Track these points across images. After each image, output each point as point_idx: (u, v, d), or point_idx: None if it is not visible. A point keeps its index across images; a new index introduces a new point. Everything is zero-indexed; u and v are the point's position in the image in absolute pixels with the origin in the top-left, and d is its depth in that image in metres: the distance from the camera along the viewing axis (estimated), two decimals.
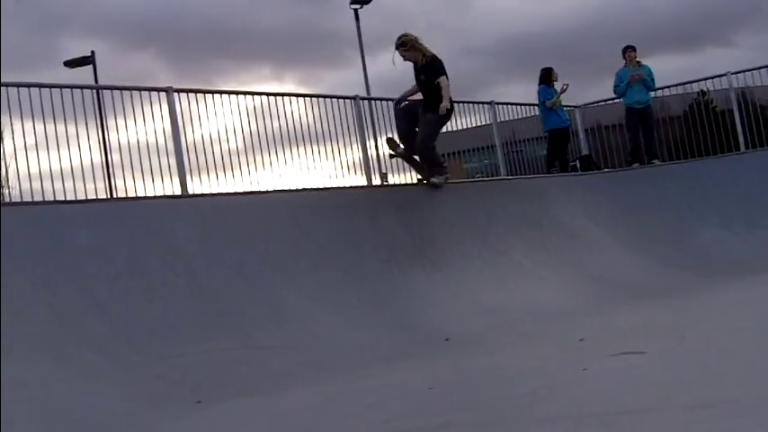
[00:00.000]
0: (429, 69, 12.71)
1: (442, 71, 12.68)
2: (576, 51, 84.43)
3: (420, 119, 12.92)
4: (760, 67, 18.06)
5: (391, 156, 13.84)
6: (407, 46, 12.76)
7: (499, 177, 16.97)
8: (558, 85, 17.30)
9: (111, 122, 11.63)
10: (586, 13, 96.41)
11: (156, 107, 11.65)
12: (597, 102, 20.09)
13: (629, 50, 17.43)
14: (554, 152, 17.41)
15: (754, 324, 7.84)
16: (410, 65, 12.88)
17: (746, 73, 18.09)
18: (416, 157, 13.39)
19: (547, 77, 17.30)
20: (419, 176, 13.62)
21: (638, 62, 17.41)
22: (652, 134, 17.79)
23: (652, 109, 17.95)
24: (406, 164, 13.82)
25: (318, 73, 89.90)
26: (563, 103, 17.52)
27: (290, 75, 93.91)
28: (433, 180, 13.11)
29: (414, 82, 13.07)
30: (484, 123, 17.58)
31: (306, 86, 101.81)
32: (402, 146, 13.35)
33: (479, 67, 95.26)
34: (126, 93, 11.53)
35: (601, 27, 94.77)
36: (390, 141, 13.58)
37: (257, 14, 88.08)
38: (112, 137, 11.65)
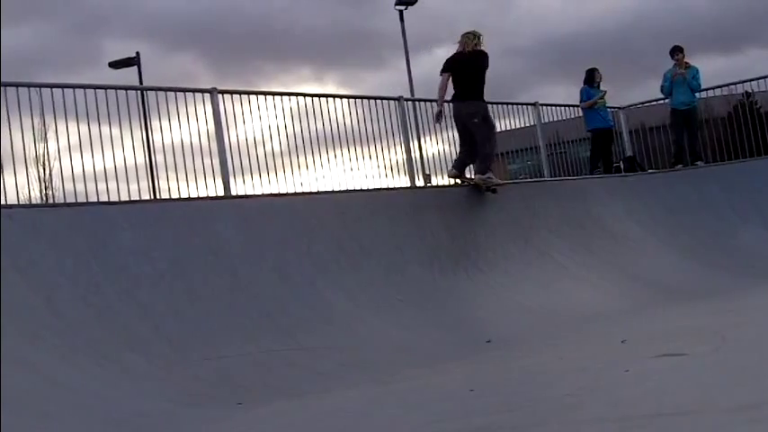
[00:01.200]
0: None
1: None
2: (616, 52, 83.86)
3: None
4: None
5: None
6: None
7: (542, 179, 16.92)
8: (602, 86, 17.27)
9: (154, 123, 11.71)
10: (625, 12, 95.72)
11: (199, 108, 11.74)
12: (641, 103, 19.98)
13: (676, 51, 17.29)
14: (597, 153, 17.35)
15: None
16: None
17: None
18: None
19: (589, 78, 17.28)
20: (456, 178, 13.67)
21: (687, 63, 17.27)
22: (695, 136, 17.65)
23: (697, 111, 17.79)
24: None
25: (359, 74, 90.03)
26: (606, 105, 17.46)
27: (330, 76, 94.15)
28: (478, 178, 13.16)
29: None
30: (527, 125, 17.53)
31: (346, 88, 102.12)
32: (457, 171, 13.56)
33: (521, 68, 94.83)
34: (170, 94, 11.62)
35: (640, 27, 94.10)
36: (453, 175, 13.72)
37: (299, 15, 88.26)
38: (156, 138, 11.73)
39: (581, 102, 17.33)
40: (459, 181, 13.59)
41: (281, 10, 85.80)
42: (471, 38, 13.14)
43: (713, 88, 19.08)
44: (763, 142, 18.34)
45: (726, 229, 15.65)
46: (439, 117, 13.51)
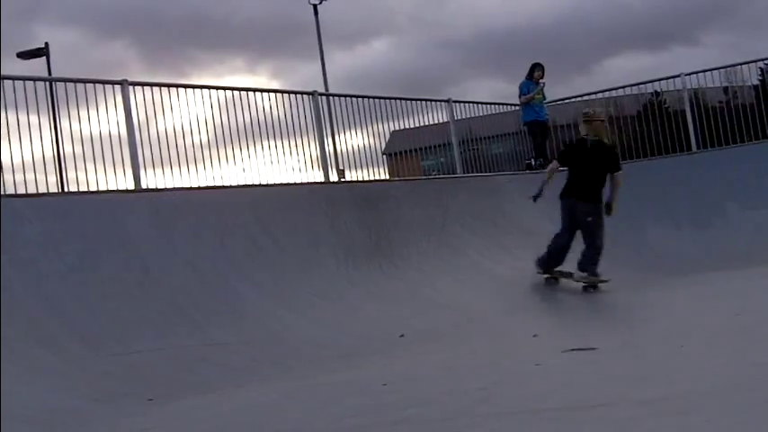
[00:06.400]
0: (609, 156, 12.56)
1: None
2: (551, 48, 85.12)
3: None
4: (713, 69, 18.27)
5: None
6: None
7: (455, 175, 17.01)
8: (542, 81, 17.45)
9: (64, 115, 11.48)
10: (562, 9, 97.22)
11: (111, 100, 11.56)
12: (553, 101, 20.13)
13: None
14: (536, 145, 17.58)
15: (701, 321, 7.95)
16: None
17: (700, 74, 18.26)
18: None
19: (530, 72, 17.40)
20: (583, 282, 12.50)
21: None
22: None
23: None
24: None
25: (292, 65, 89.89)
26: (543, 100, 17.60)
27: (263, 67, 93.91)
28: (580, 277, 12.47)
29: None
30: (441, 121, 17.60)
31: (279, 79, 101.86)
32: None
33: (455, 61, 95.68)
34: (80, 85, 11.41)
35: (576, 24, 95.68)
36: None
37: (237, 5, 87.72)
38: (66, 130, 11.50)
39: (520, 95, 17.49)
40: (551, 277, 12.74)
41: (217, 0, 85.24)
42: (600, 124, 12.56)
43: (623, 87, 19.38)
44: (671, 141, 18.68)
45: (634, 227, 15.90)
46: (536, 198, 12.59)
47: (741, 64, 18.84)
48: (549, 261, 12.57)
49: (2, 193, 9.88)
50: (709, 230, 15.70)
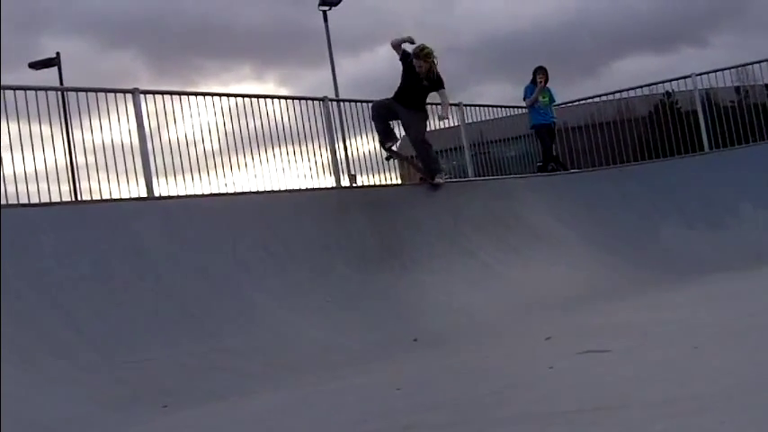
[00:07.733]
0: (435, 81, 13.38)
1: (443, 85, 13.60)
2: (557, 51, 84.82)
3: (410, 116, 13.61)
4: (724, 68, 18.23)
5: (388, 158, 14.60)
6: (430, 58, 13.23)
7: (467, 178, 17.02)
8: (548, 85, 17.48)
9: (76, 125, 11.53)
10: (567, 12, 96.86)
11: (122, 109, 11.60)
12: (564, 103, 20.08)
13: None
14: (543, 148, 17.61)
15: (714, 322, 7.93)
16: (398, 66, 13.48)
17: (711, 74, 18.21)
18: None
19: (533, 76, 17.45)
20: (420, 176, 14.29)
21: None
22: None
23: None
24: (405, 162, 14.65)
25: (298, 72, 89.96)
26: (549, 104, 17.61)
27: (270, 74, 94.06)
28: (437, 180, 13.80)
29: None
30: (452, 125, 17.59)
31: (286, 86, 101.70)
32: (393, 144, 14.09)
33: (462, 66, 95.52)
34: (92, 94, 11.46)
35: (581, 26, 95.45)
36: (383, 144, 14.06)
37: (239, 13, 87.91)
38: (78, 139, 11.55)
39: (524, 99, 17.58)
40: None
41: (223, 7, 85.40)
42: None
43: (633, 88, 19.35)
44: (683, 141, 18.65)
45: (647, 228, 15.89)
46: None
47: (752, 63, 18.77)
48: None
49: (6, 202, 9.91)
50: (721, 230, 15.67)
